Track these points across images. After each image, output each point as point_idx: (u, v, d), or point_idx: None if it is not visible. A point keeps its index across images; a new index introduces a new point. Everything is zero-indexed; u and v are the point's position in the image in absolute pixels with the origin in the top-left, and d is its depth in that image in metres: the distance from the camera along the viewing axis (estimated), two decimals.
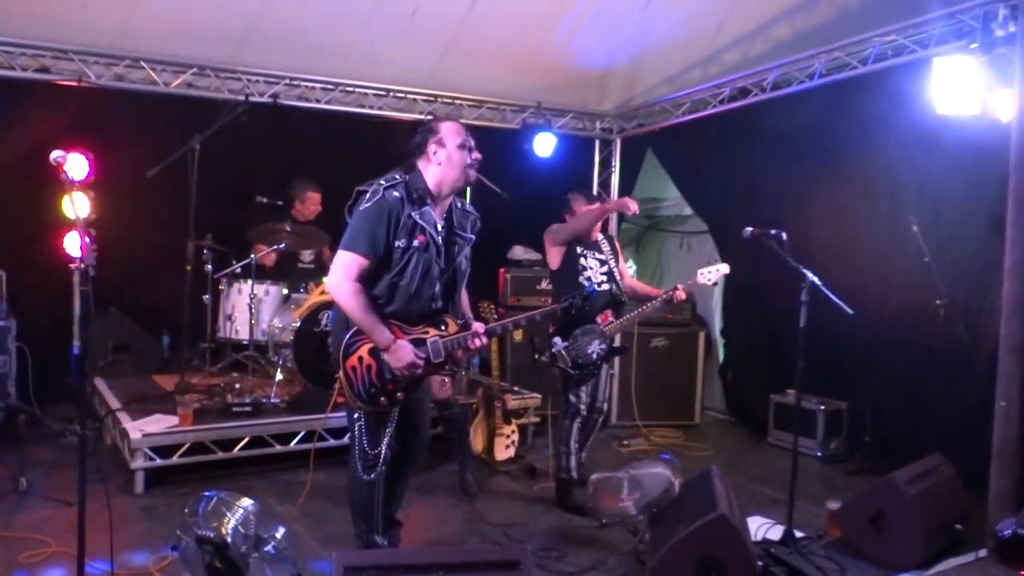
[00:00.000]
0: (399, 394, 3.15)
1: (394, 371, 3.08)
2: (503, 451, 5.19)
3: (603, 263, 4.63)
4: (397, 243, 3.08)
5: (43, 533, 3.79)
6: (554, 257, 4.72)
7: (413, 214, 3.10)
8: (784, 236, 3.91)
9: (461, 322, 3.31)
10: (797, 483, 3.83)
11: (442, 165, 3.17)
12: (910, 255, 5.09)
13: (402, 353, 3.06)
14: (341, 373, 3.13)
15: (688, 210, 7.55)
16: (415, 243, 3.11)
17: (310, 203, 6.18)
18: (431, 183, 3.17)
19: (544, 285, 6.54)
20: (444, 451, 5.07)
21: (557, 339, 4.45)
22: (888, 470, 3.96)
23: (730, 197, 6.73)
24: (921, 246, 4.94)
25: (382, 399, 3.13)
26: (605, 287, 4.55)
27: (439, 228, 3.20)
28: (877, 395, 5.42)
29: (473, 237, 3.37)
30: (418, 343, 3.13)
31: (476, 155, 3.23)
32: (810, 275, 3.81)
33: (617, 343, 4.57)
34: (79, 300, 6.02)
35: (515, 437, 5.27)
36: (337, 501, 4.28)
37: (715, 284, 4.45)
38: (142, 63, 5.71)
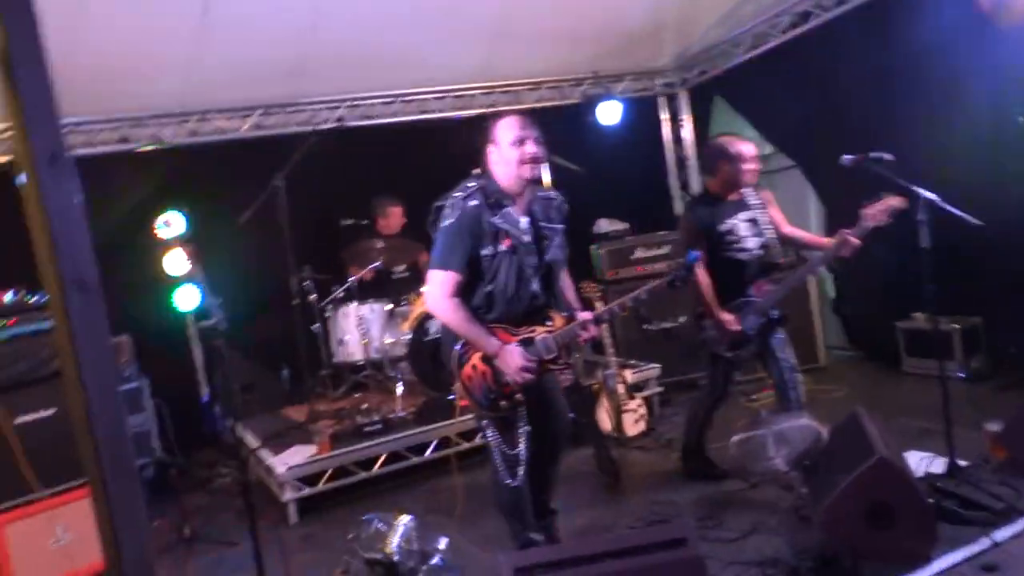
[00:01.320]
0: (518, 395, 3.14)
1: (508, 375, 3.07)
2: (633, 426, 5.15)
3: (753, 223, 4.05)
4: (484, 252, 3.08)
5: (217, 574, 3.95)
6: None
7: (494, 219, 3.08)
8: (888, 156, 3.70)
9: (566, 314, 3.27)
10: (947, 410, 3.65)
11: (500, 165, 3.14)
12: (1022, 150, 4.77)
13: (510, 357, 3.05)
14: (458, 384, 3.15)
15: (768, 148, 7.28)
16: (501, 248, 3.09)
17: (393, 218, 6.25)
18: (503, 183, 3.14)
19: (639, 254, 6.42)
20: (574, 436, 5.03)
21: (706, 322, 4.05)
22: None
23: (812, 127, 6.44)
24: None
25: (502, 403, 3.14)
26: (757, 252, 4.04)
27: (523, 226, 3.16)
28: (1014, 303, 5.12)
29: (562, 226, 3.31)
30: (527, 343, 3.12)
31: (530, 151, 3.09)
32: (925, 192, 3.61)
33: (775, 314, 4.06)
34: (200, 348, 6.31)
35: (643, 411, 5.22)
36: (483, 501, 4.30)
37: (889, 222, 3.78)
38: (211, 114, 5.89)
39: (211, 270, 5.56)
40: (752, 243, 4.04)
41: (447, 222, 3.08)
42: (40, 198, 1.80)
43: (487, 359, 3.10)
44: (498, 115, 3.31)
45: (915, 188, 3.63)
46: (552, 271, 3.27)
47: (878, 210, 3.78)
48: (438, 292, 3.08)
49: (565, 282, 3.42)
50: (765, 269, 4.12)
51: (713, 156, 4.10)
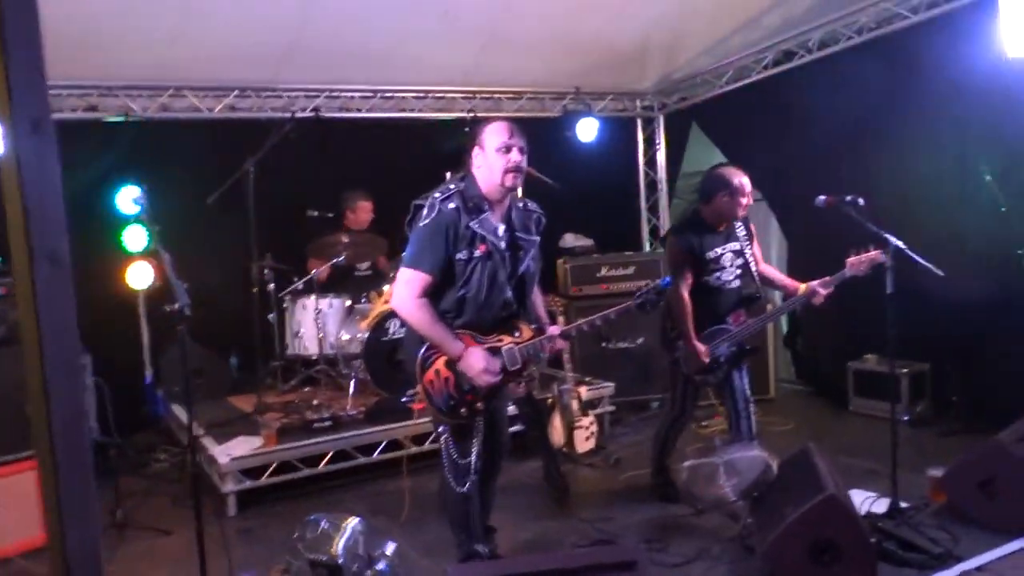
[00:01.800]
0: (479, 404, 3.12)
1: (470, 381, 3.06)
2: (584, 443, 5.16)
3: (738, 254, 4.11)
4: (458, 255, 3.04)
5: (148, 564, 3.85)
6: None
7: (472, 224, 3.04)
8: (861, 201, 3.79)
9: (535, 327, 3.26)
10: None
11: (483, 169, 3.09)
12: (984, 207, 4.92)
13: (473, 360, 3.03)
14: (420, 388, 3.11)
15: None
16: (476, 253, 3.05)
17: (361, 212, 6.18)
18: (483, 188, 3.10)
19: (605, 272, 6.45)
20: (523, 447, 5.03)
21: (681, 343, 4.09)
22: (982, 430, 3.84)
23: (783, 163, 6.56)
24: (996, 196, 4.77)
25: (462, 410, 3.11)
26: (736, 284, 4.12)
27: (500, 233, 3.13)
28: (961, 353, 5.27)
29: (538, 238, 3.29)
30: (493, 352, 3.10)
31: (514, 159, 3.04)
32: (893, 239, 3.69)
33: (747, 346, 4.14)
34: (146, 328, 6.16)
35: (594, 428, 5.23)
36: (428, 508, 4.28)
37: (867, 274, 3.89)
38: (184, 91, 5.77)
39: (171, 248, 5.47)
40: (734, 274, 4.11)
41: (423, 222, 3.04)
42: (17, 165, 1.73)
43: (451, 365, 3.06)
44: (488, 118, 3.29)
45: (885, 234, 3.71)
46: (525, 282, 3.25)
47: (861, 262, 3.88)
48: (406, 292, 3.04)
49: (536, 295, 3.40)
50: (744, 300, 4.18)
51: (714, 185, 4.11)
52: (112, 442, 5.12)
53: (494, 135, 3.08)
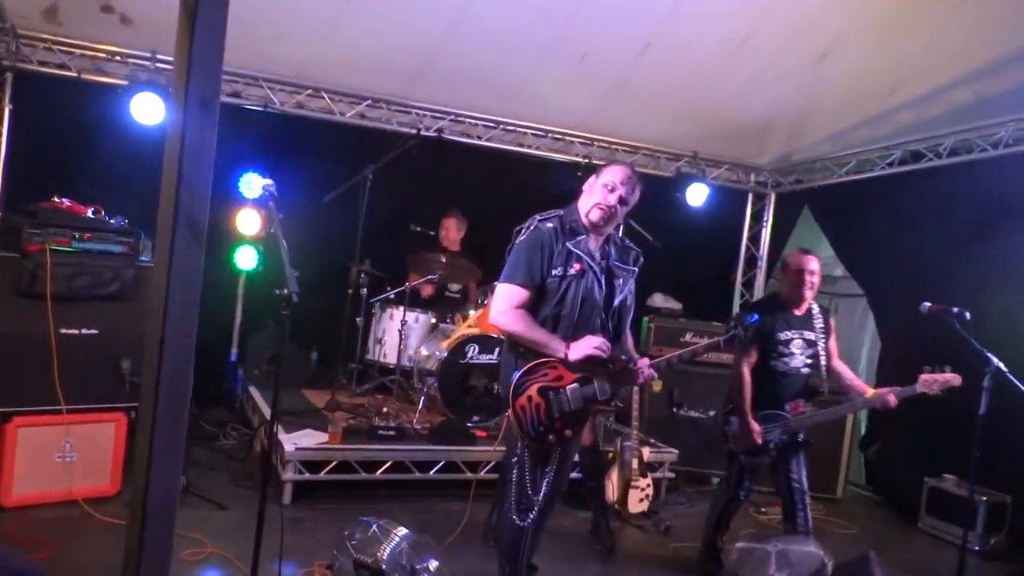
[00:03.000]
0: (567, 431, 3.14)
1: (563, 411, 3.07)
2: (636, 504, 5.10)
3: (810, 344, 4.10)
4: (553, 271, 3.12)
5: (200, 533, 3.98)
6: None
7: (568, 244, 3.14)
8: (967, 315, 3.68)
9: (625, 359, 3.26)
10: None
11: (584, 194, 3.23)
12: None
13: (583, 345, 3.07)
14: (510, 412, 3.15)
15: (839, 270, 7.25)
16: (571, 271, 3.13)
17: (449, 231, 6.36)
18: (582, 215, 3.21)
19: (688, 337, 6.40)
20: (577, 497, 5.00)
21: (734, 418, 4.09)
22: None
23: (892, 264, 6.42)
24: None
25: (550, 437, 3.12)
26: (803, 372, 4.10)
27: (596, 257, 3.20)
28: None
29: (635, 269, 3.34)
30: (583, 383, 3.12)
31: (611, 200, 3.14)
32: (995, 360, 3.57)
33: (801, 437, 4.08)
34: (240, 309, 6.41)
35: (650, 491, 5.17)
36: (474, 536, 4.30)
37: (937, 395, 3.84)
38: (322, 93, 6.05)
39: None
40: (803, 362, 4.09)
41: (519, 239, 3.18)
42: (182, 135, 1.89)
43: (544, 392, 3.10)
44: (611, 163, 3.39)
45: (987, 353, 3.60)
46: (621, 316, 3.29)
47: (936, 381, 3.82)
48: (504, 304, 3.13)
49: (627, 335, 3.43)
50: (806, 391, 4.13)
51: (781, 267, 4.25)
52: (188, 410, 5.33)
53: (610, 173, 3.22)
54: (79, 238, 4.20)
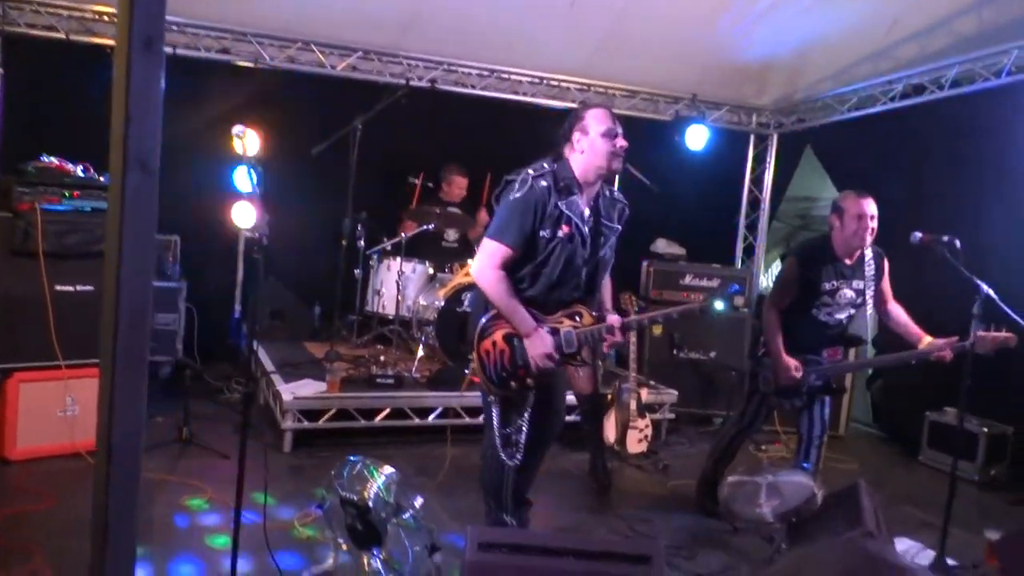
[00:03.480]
0: (529, 380, 3.16)
1: (528, 359, 3.10)
2: (635, 444, 5.14)
3: (859, 294, 3.92)
4: (542, 233, 3.09)
5: (201, 480, 4.08)
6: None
7: (560, 204, 3.09)
8: (958, 243, 3.63)
9: (596, 315, 3.27)
10: (953, 508, 3.58)
11: (585, 153, 3.13)
12: None
13: (541, 343, 3.08)
14: (475, 355, 3.19)
15: None
16: (560, 233, 3.10)
17: (455, 187, 6.34)
18: (577, 171, 3.14)
19: (688, 280, 6.39)
20: (577, 440, 5.06)
21: (768, 360, 3.98)
22: None
23: (895, 200, 6.31)
24: None
25: (512, 384, 3.16)
26: (844, 321, 3.98)
27: (586, 218, 3.17)
28: None
29: (620, 227, 3.32)
30: (552, 332, 3.14)
31: (621, 143, 3.12)
32: (985, 287, 3.53)
33: (836, 384, 4.06)
34: (242, 265, 6.46)
35: (648, 432, 5.21)
36: (469, 478, 4.36)
37: (989, 353, 3.66)
38: (312, 46, 6.01)
39: (272, 192, 5.72)
40: (846, 312, 3.97)
41: (514, 195, 3.10)
42: (127, 76, 1.89)
43: (509, 339, 3.12)
44: (588, 105, 3.33)
45: (977, 281, 3.56)
46: (598, 268, 3.28)
47: (991, 340, 3.65)
48: (487, 262, 3.11)
49: (606, 286, 3.42)
50: (845, 340, 4.07)
51: (838, 211, 3.92)
52: (190, 364, 5.42)
53: (599, 121, 3.14)
54: (69, 196, 4.24)
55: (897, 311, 4.09)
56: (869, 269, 3.94)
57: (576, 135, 3.15)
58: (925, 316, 4.11)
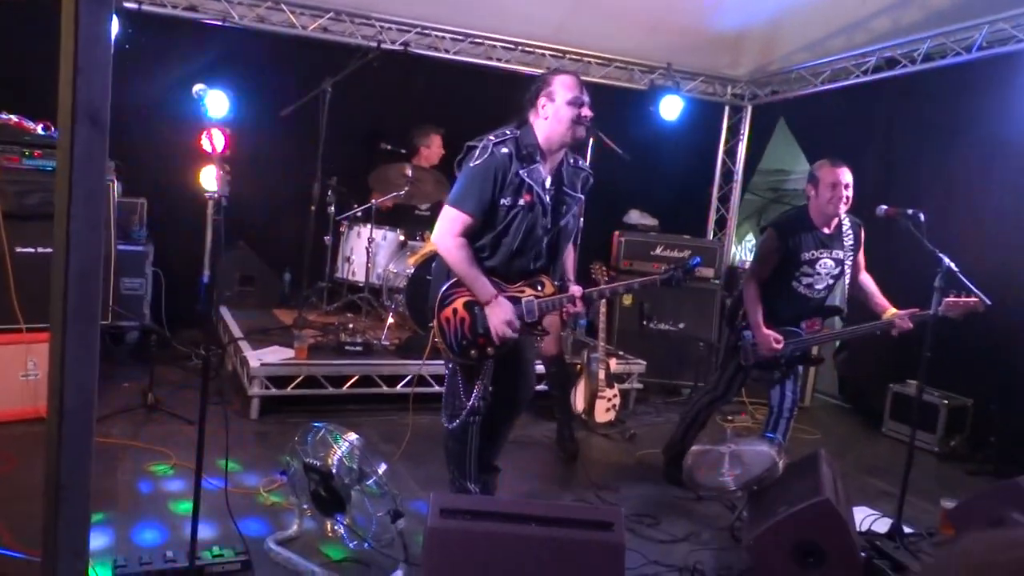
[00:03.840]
0: (489, 349, 3.15)
1: (488, 327, 3.09)
2: (603, 414, 5.17)
3: (838, 263, 3.97)
4: (503, 201, 3.06)
5: (166, 446, 4.05)
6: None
7: (521, 172, 3.05)
8: (922, 217, 3.66)
9: (559, 284, 3.27)
10: (911, 478, 3.62)
11: (549, 120, 3.09)
12: None
13: (501, 311, 3.07)
14: (435, 323, 3.17)
15: None
16: (521, 202, 3.07)
17: (435, 146, 6.26)
18: (540, 138, 3.10)
19: (659, 251, 6.40)
20: (546, 408, 5.08)
21: (748, 333, 4.01)
22: (1014, 475, 3.69)
23: (866, 174, 6.33)
24: None
25: (472, 352, 3.15)
26: (823, 293, 4.01)
27: (547, 186, 3.15)
28: (1008, 393, 5.08)
29: (582, 196, 3.30)
30: (513, 301, 3.13)
31: (586, 112, 3.08)
32: (946, 260, 3.56)
33: (815, 352, 4.13)
34: (211, 229, 6.37)
35: (616, 401, 5.24)
36: (436, 445, 4.35)
37: (958, 319, 3.73)
38: (283, 5, 5.90)
39: (241, 155, 5.64)
40: (825, 283, 4.00)
41: (474, 162, 3.05)
42: (75, 27, 1.83)
43: (469, 306, 3.11)
44: (556, 71, 3.29)
45: (939, 253, 3.59)
46: (560, 238, 3.26)
47: (961, 305, 3.71)
48: (446, 228, 3.08)
49: (569, 254, 3.41)
50: (823, 310, 4.08)
51: (813, 180, 3.97)
52: (155, 329, 5.36)
53: (566, 88, 3.09)
54: (29, 155, 4.14)
55: (867, 281, 4.15)
56: (848, 239, 3.98)
57: (542, 100, 3.11)
58: (894, 287, 4.16)
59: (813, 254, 3.93)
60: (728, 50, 6.90)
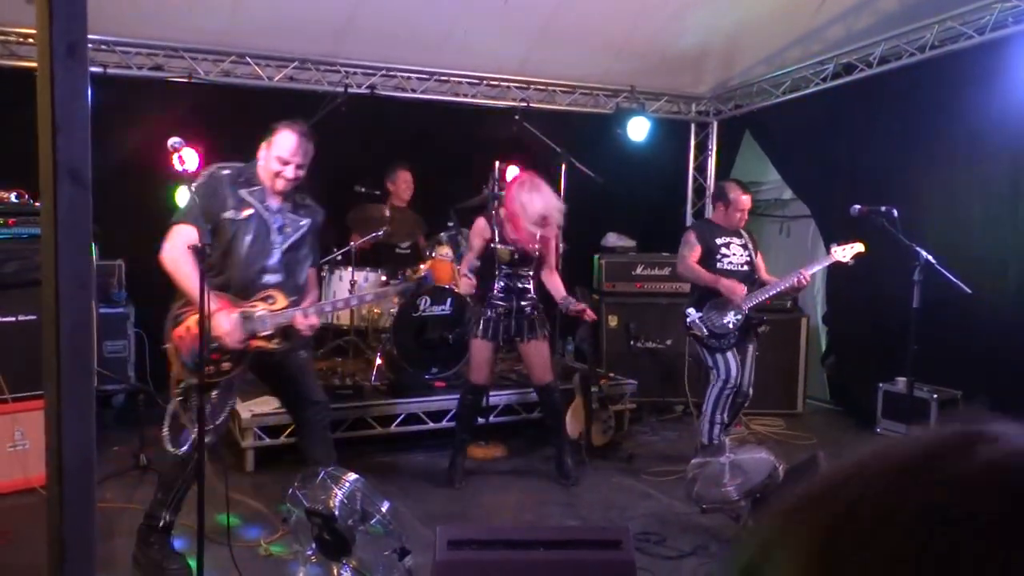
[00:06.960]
0: (224, 364, 3.22)
1: (217, 339, 3.12)
2: (599, 436, 5.16)
3: (744, 248, 4.73)
4: (225, 215, 3.24)
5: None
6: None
7: (241, 191, 3.27)
8: (895, 213, 3.74)
9: (293, 299, 3.35)
10: None
11: (262, 164, 3.33)
12: None
13: (221, 320, 3.12)
14: (169, 344, 3.23)
15: (788, 194, 7.31)
16: (242, 215, 3.26)
17: (402, 183, 6.31)
18: (261, 174, 3.32)
19: (640, 271, 6.45)
20: (542, 436, 5.06)
21: (691, 310, 4.60)
22: None
23: (834, 179, 6.47)
24: None
25: (208, 368, 3.14)
26: (745, 268, 4.66)
27: (272, 208, 3.33)
28: (996, 384, 5.13)
29: (307, 221, 3.45)
30: (246, 317, 3.21)
31: (286, 175, 3.28)
32: (924, 253, 3.63)
33: (754, 316, 4.63)
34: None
35: (611, 423, 5.23)
36: (438, 482, 4.35)
37: (850, 262, 4.40)
38: (247, 58, 5.93)
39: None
40: (743, 258, 4.69)
41: (196, 183, 3.20)
42: (51, 84, 1.84)
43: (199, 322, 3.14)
44: (285, 123, 3.38)
45: (916, 247, 3.66)
46: (296, 261, 3.40)
47: (844, 248, 4.34)
48: (169, 243, 3.20)
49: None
50: (749, 282, 4.63)
51: (716, 195, 4.88)
52: (142, 389, 5.30)
53: (279, 146, 3.31)
54: (4, 224, 4.12)
55: (768, 279, 4.74)
56: (745, 237, 4.78)
57: (263, 145, 3.35)
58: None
59: (724, 239, 4.68)
60: (689, 69, 7.02)
